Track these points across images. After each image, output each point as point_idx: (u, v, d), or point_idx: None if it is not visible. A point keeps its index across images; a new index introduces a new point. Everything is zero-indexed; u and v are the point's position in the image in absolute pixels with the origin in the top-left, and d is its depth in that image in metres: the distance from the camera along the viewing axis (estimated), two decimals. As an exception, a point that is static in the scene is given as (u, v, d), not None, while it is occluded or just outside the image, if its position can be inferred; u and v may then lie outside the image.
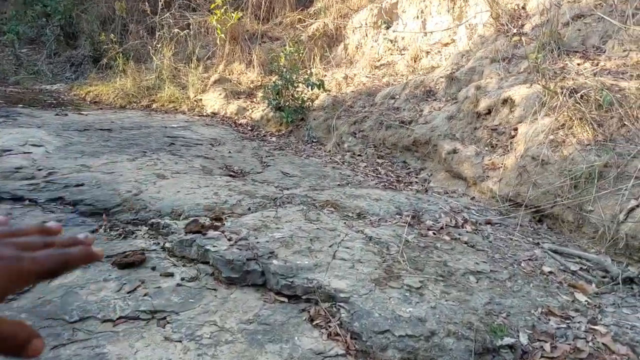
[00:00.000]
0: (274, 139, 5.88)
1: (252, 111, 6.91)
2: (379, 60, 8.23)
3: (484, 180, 3.96)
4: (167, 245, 2.40)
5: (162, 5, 8.09)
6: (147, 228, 2.63)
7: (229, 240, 2.40)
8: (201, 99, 7.51)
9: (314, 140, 5.77)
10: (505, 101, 4.37)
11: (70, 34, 10.12)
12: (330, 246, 2.42)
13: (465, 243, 2.70)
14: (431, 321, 1.86)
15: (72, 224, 2.59)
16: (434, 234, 2.79)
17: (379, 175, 4.64)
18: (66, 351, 1.65)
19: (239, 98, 7.34)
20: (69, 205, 2.81)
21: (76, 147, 4.11)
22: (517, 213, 3.25)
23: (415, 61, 7.56)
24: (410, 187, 4.23)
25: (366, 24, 8.86)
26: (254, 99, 7.30)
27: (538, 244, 2.83)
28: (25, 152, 3.66)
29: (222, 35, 7.00)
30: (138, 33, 8.86)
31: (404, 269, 2.26)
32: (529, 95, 4.26)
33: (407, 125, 5.17)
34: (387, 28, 8.53)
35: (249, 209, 2.89)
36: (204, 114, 7.09)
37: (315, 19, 9.26)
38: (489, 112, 4.47)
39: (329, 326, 1.92)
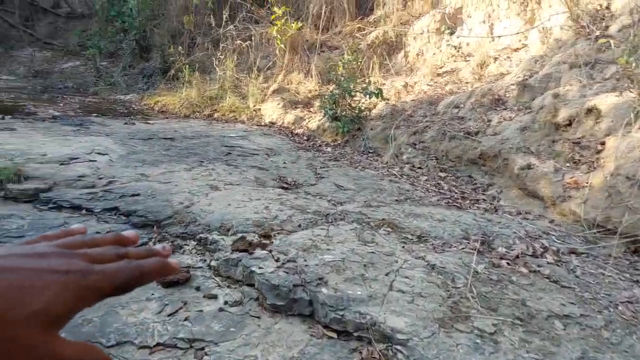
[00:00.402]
0: (329, 149, 5.71)
1: (309, 121, 6.80)
2: (441, 68, 7.84)
3: (565, 201, 3.50)
4: (213, 263, 2.28)
5: (226, 18, 8.26)
6: (195, 243, 2.53)
7: (277, 261, 2.23)
8: (260, 109, 7.54)
9: (371, 151, 5.52)
10: (589, 111, 3.87)
11: (144, 47, 10.67)
12: (386, 274, 2.17)
13: (547, 277, 2.33)
14: (508, 378, 1.55)
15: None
16: (508, 264, 2.45)
17: (441, 191, 4.30)
18: (99, 380, 1.54)
19: (296, 108, 7.28)
20: (123, 215, 2.79)
21: (138, 155, 4.18)
22: (609, 242, 2.80)
23: (481, 68, 7.09)
24: (477, 205, 3.85)
25: (428, 31, 8.50)
26: (311, 109, 7.21)
27: (638, 281, 2.39)
28: (90, 160, 3.76)
29: (282, 45, 6.99)
30: (204, 45, 9.13)
31: (473, 308, 1.95)
32: (619, 105, 3.74)
33: (473, 136, 4.77)
34: (451, 34, 8.12)
35: (300, 225, 2.71)
36: (262, 123, 7.09)
37: (375, 27, 9.04)
38: (570, 123, 3.98)
39: (384, 372, 1.67)
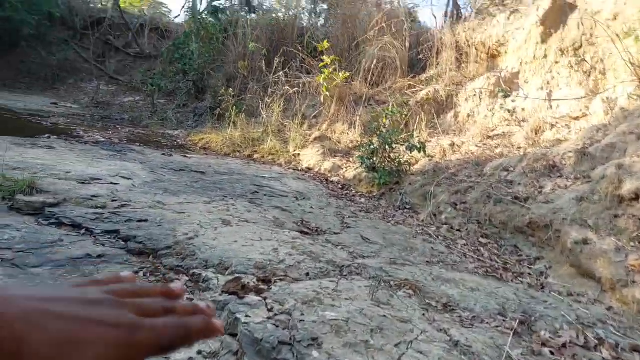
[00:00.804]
0: (362, 200, 5.41)
1: (346, 170, 6.59)
2: (492, 131, 7.49)
3: (627, 287, 2.95)
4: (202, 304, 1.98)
5: (277, 64, 8.48)
6: (187, 279, 2.27)
7: (269, 310, 1.91)
8: (299, 154, 7.45)
9: (407, 207, 5.15)
10: (661, 185, 3.36)
11: (200, 88, 11.16)
12: (396, 345, 1.79)
13: (602, 378, 1.84)
14: None
15: (115, 261, 2.35)
16: (551, 352, 1.98)
17: (480, 258, 3.83)
18: None
19: (335, 156, 7.12)
20: (122, 240, 2.60)
21: (163, 184, 4.09)
22: (687, 343, 2.24)
23: (536, 134, 6.68)
24: (520, 279, 3.36)
25: (481, 93, 8.27)
26: (350, 159, 7.01)
27: None
28: (112, 183, 3.69)
29: (327, 93, 6.97)
30: (254, 90, 9.38)
31: (500, 404, 1.52)
32: (699, 181, 3.22)
33: (523, 202, 4.31)
34: (506, 97, 7.82)
35: (307, 274, 2.39)
36: (300, 168, 6.96)
37: (427, 86, 8.93)
38: (637, 197, 3.48)
39: None
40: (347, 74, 7.28)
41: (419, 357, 1.73)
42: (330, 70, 6.83)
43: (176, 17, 14.86)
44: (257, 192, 4.61)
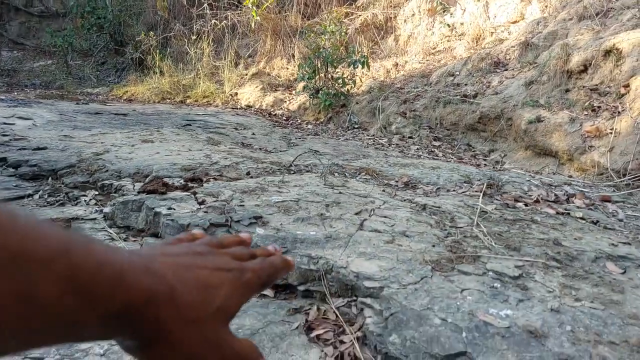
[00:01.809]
0: (310, 126, 5.06)
1: (290, 102, 6.17)
2: (434, 48, 7.28)
3: (585, 153, 2.85)
4: (107, 210, 1.58)
5: (199, -3, 7.69)
6: (96, 192, 1.84)
7: (200, 203, 1.55)
8: (237, 93, 6.91)
9: (356, 127, 4.87)
10: (607, 53, 3.25)
11: (119, 42, 10.08)
12: (356, 213, 1.49)
13: (582, 219, 1.65)
14: (558, 338, 0.86)
15: (1, 187, 1.87)
16: (526, 205, 1.78)
17: (435, 158, 3.64)
18: None
19: (277, 90, 6.65)
20: (10, 167, 2.10)
21: (72, 123, 3.51)
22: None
23: (477, 42, 6.52)
24: (478, 165, 3.19)
25: (420, 12, 7.97)
26: (293, 91, 6.58)
27: None
28: (5, 123, 3.07)
29: (258, 18, 6.39)
30: (180, 31, 8.53)
31: (484, 247, 1.28)
32: (645, 43, 3.12)
33: (471, 99, 4.14)
34: (444, 11, 7.58)
35: (248, 173, 2.04)
36: (238, 106, 6.46)
37: (364, 11, 8.49)
38: (585, 69, 3.35)
39: (341, 342, 0.98)
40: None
41: (384, 220, 1.45)
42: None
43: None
44: (189, 125, 4.12)
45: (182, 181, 1.79)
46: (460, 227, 1.43)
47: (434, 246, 1.27)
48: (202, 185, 1.75)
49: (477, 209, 1.61)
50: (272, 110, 6.15)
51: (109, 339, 0.24)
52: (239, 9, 8.32)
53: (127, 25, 10.04)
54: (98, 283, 0.21)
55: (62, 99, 6.32)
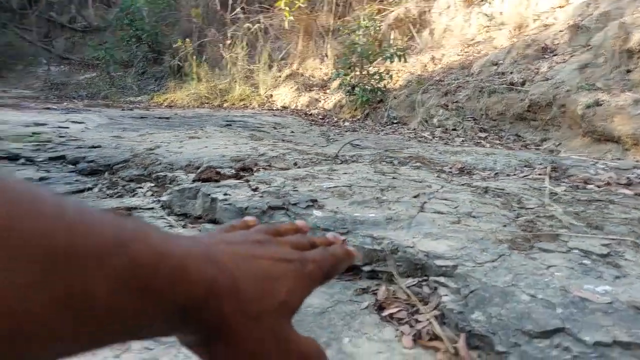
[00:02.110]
0: (347, 123, 5.01)
1: (325, 101, 6.15)
2: (472, 40, 7.08)
3: (653, 136, 2.65)
4: (164, 198, 1.59)
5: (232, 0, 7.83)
6: (151, 184, 1.86)
7: (253, 190, 1.53)
8: (272, 95, 6.96)
9: (395, 122, 4.78)
10: (672, 29, 3.02)
11: (157, 51, 10.42)
12: (415, 196, 1.43)
13: (664, 199, 1.52)
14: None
15: (62, 182, 1.92)
16: (598, 186, 1.65)
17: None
18: None
19: (311, 90, 6.65)
20: (70, 164, 2.17)
21: (120, 125, 3.62)
22: None
23: (519, 30, 6.28)
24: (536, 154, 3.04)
25: (455, 4, 7.78)
26: (327, 90, 6.56)
27: None
28: (60, 127, 3.21)
29: (291, 17, 6.42)
30: (214, 35, 8.72)
31: (561, 226, 1.18)
32: None
33: (519, 87, 3.96)
34: (482, 1, 7.36)
35: (295, 163, 2.01)
36: (274, 108, 6.50)
37: (397, 6, 8.38)
38: (647, 47, 3.14)
39: (417, 320, 0.92)
40: (310, -4, 6.70)
41: (445, 203, 1.37)
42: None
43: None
44: (230, 125, 4.16)
45: (233, 171, 1.78)
46: (530, 208, 1.34)
47: (505, 226, 1.19)
48: (253, 174, 1.73)
49: (544, 190, 1.51)
50: (307, 110, 6.15)
51: (168, 336, 0.22)
52: (270, 11, 8.41)
53: (164, 34, 10.36)
54: (159, 277, 0.19)
55: (108, 108, 6.57)
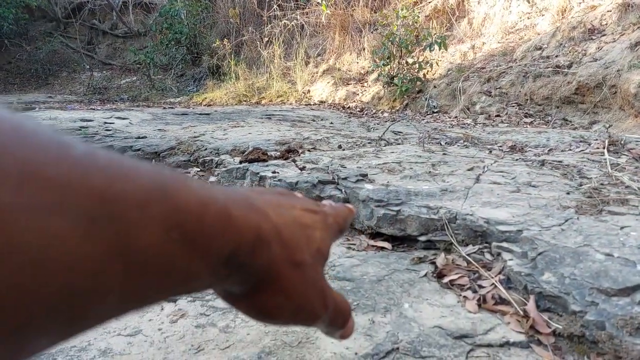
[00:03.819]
0: (385, 114, 4.95)
1: (362, 95, 6.11)
2: (513, 27, 6.84)
3: None
4: (212, 179, 1.62)
5: (268, -1, 7.92)
6: (198, 169, 1.90)
7: (301, 169, 1.53)
8: (309, 90, 6.98)
9: (435, 111, 4.68)
10: None
11: (195, 53, 10.69)
12: (469, 169, 1.39)
13: None
14: None
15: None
16: (664, 158, 1.55)
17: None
18: None
19: (348, 84, 6.63)
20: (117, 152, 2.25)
21: (163, 121, 3.73)
22: None
23: (563, 14, 6.01)
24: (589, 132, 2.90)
25: (494, -9, 7.54)
26: (365, 84, 6.51)
27: None
28: (106, 122, 3.33)
29: (328, 11, 6.41)
30: (251, 33, 8.85)
31: (630, 193, 1.11)
32: None
33: (565, 69, 3.79)
34: (522, -13, 7.10)
35: (340, 146, 2.00)
36: (311, 103, 6.52)
37: (432, -2, 8.22)
38: None
39: (480, 286, 0.89)
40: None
41: (502, 174, 1.32)
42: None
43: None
44: (270, 118, 4.20)
45: (278, 153, 1.79)
46: (593, 178, 1.27)
47: (568, 193, 1.13)
48: (299, 155, 1.73)
49: (605, 162, 1.43)
50: (345, 103, 6.12)
51: (215, 287, 0.21)
52: (307, 7, 8.45)
53: (202, 36, 10.61)
54: (205, 224, 0.17)
55: (149, 108, 6.80)
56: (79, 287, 0.13)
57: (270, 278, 0.21)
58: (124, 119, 3.61)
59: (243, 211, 0.20)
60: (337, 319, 0.26)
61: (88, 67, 11.65)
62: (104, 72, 11.79)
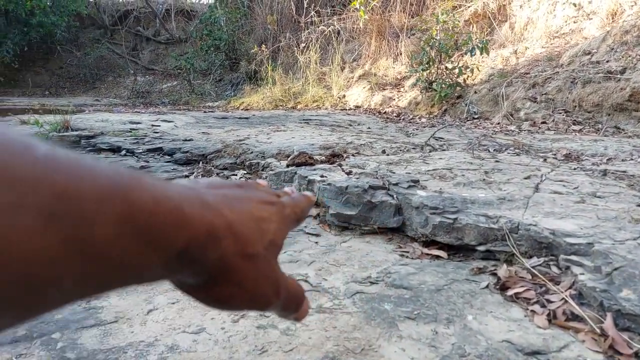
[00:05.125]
0: (423, 120, 4.88)
1: (399, 100, 6.05)
2: (557, 31, 6.61)
3: None
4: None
5: (307, 4, 7.99)
6: (244, 172, 1.92)
7: (347, 173, 1.51)
8: (344, 95, 6.98)
9: (476, 117, 4.57)
10: None
11: (233, 59, 10.92)
12: (526, 178, 1.34)
13: None
14: None
15: (161, 170, 2.05)
16: None
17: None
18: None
19: (384, 89, 6.58)
20: (166, 155, 2.31)
21: (206, 124, 3.81)
22: None
23: (613, 18, 5.76)
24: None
25: (538, -5, 7.32)
26: (401, 89, 6.45)
27: None
28: (152, 125, 3.44)
29: (366, 17, 6.40)
30: (288, 39, 8.96)
31: None
32: None
33: (618, 75, 3.62)
34: (568, -11, 6.86)
35: (384, 151, 1.98)
36: (347, 108, 6.51)
37: (473, 2, 8.07)
38: None
39: (548, 300, 0.84)
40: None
41: (562, 184, 1.26)
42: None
43: (199, 0, 14.66)
44: (308, 122, 4.22)
45: (323, 157, 1.79)
46: (665, 189, 1.19)
47: (639, 205, 1.07)
48: (344, 160, 1.72)
49: (676, 172, 1.34)
50: (380, 108, 6.08)
51: (167, 279, 0.22)
52: (344, 13, 8.47)
53: (240, 42, 10.82)
54: (157, 221, 0.18)
55: (190, 111, 6.98)
56: (37, 276, 0.14)
57: (223, 271, 0.22)
58: (169, 121, 3.71)
59: (195, 209, 0.21)
60: (290, 305, 0.28)
61: (132, 72, 12.12)
62: (147, 76, 12.22)
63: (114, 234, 0.17)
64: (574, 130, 3.61)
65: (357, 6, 6.22)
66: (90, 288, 0.17)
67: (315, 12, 7.78)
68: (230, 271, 0.23)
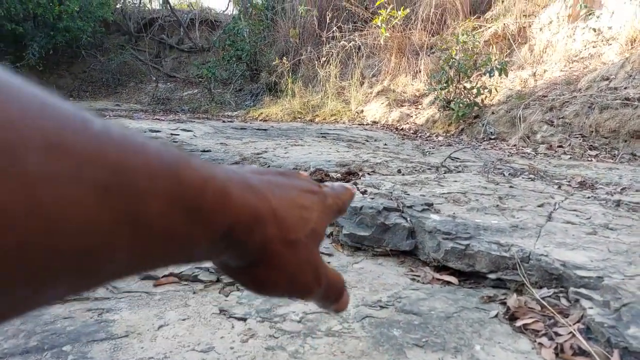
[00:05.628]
0: (440, 138, 4.89)
1: (416, 117, 6.07)
2: (576, 55, 6.58)
3: None
4: (277, 197, 1.67)
5: (329, 19, 8.10)
6: (261, 185, 1.96)
7: (362, 193, 1.54)
8: (362, 110, 7.04)
9: (492, 137, 4.57)
10: None
11: (254, 70, 11.09)
12: (539, 206, 1.35)
13: None
14: None
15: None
16: None
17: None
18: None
19: (402, 106, 6.61)
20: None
21: (224, 134, 3.89)
22: None
23: (632, 44, 5.72)
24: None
25: (558, 19, 7.31)
26: (419, 106, 6.47)
27: None
28: (172, 134, 3.52)
29: (387, 34, 6.47)
30: (309, 52, 9.08)
31: None
32: None
33: (635, 102, 3.59)
34: (590, 15, 6.84)
35: (399, 170, 2.00)
36: (365, 122, 6.56)
37: (493, 23, 8.09)
38: None
39: (556, 333, 0.86)
40: (407, 10, 6.70)
41: (575, 213, 1.28)
42: (388, 9, 6.30)
43: (224, 11, 14.96)
44: (325, 137, 4.27)
45: (339, 175, 1.82)
46: (679, 225, 1.19)
47: (652, 241, 1.07)
48: (360, 178, 1.75)
49: (692, 208, 1.34)
50: (397, 124, 6.11)
51: (213, 259, 0.23)
52: (365, 29, 8.56)
53: (262, 54, 11.00)
54: (206, 200, 0.19)
55: (209, 120, 7.10)
56: (90, 246, 0.15)
57: (266, 255, 0.23)
58: (188, 131, 3.79)
59: (241, 192, 0.22)
60: (330, 294, 0.28)
61: (154, 78, 12.40)
62: (168, 84, 12.47)
63: (164, 210, 0.17)
64: (590, 155, 3.58)
65: (379, 24, 6.30)
66: (141, 260, 0.18)
67: (337, 27, 7.88)
68: (272, 256, 0.23)
